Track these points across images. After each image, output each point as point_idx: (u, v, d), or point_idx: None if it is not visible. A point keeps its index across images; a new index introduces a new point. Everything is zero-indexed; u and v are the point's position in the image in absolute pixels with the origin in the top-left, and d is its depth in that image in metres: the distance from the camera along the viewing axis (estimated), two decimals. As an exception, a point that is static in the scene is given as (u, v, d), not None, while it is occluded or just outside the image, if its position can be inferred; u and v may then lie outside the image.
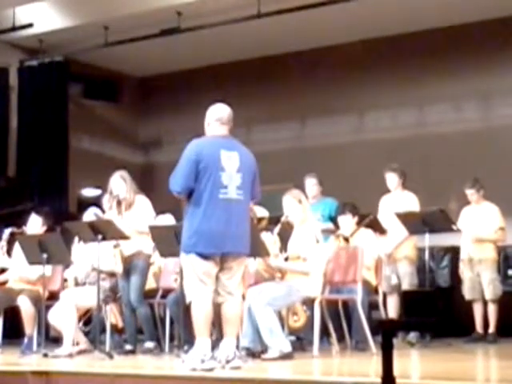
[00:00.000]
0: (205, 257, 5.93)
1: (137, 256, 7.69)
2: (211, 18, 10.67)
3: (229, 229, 5.96)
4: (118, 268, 7.79)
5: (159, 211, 8.26)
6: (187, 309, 6.19)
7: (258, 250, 6.98)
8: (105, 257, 7.65)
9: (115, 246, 7.70)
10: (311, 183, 9.04)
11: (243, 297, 7.06)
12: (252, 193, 6.15)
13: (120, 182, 7.77)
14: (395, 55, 11.57)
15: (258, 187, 6.21)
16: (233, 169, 6.02)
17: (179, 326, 7.62)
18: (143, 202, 7.82)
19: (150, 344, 7.75)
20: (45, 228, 8.55)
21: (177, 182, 6.01)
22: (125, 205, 7.73)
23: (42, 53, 12.12)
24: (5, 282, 8.57)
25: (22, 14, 11.17)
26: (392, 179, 8.77)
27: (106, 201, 8.73)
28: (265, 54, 12.18)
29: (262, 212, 8.46)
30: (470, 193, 8.82)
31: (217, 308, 6.02)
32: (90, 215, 8.16)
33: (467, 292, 8.82)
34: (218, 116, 6.16)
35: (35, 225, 8.52)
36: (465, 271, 8.87)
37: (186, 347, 7.18)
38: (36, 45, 11.96)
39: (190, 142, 6.11)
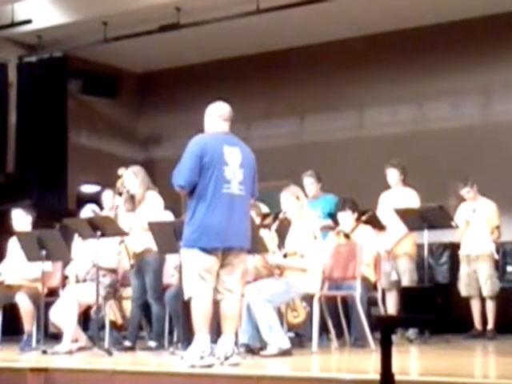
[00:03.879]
0: (207, 251, 5.93)
1: (147, 253, 7.68)
2: (210, 14, 10.65)
3: (231, 224, 5.97)
4: (126, 264, 7.78)
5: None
6: (186, 305, 6.19)
7: (256, 246, 6.97)
8: (105, 253, 7.65)
9: (120, 243, 7.69)
10: (309, 182, 8.90)
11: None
12: (251, 190, 6.17)
13: (132, 177, 7.77)
14: (395, 51, 11.55)
15: (256, 185, 6.24)
16: (236, 164, 6.05)
17: (177, 322, 7.62)
18: (154, 199, 7.81)
19: (153, 343, 7.78)
20: (30, 221, 8.42)
21: (181, 176, 5.99)
22: (136, 200, 7.73)
23: (41, 49, 12.09)
24: (1, 282, 8.51)
25: (20, 10, 11.14)
26: (393, 175, 8.75)
27: (105, 197, 8.74)
28: (264, 49, 12.16)
29: (265, 209, 8.48)
30: (466, 191, 8.77)
31: (215, 305, 6.00)
32: (87, 212, 8.15)
33: (463, 288, 8.79)
34: (220, 113, 6.19)
35: (20, 221, 8.41)
36: (462, 267, 8.86)
37: (179, 344, 7.18)
38: (35, 41, 11.94)
39: (192, 138, 6.10)
